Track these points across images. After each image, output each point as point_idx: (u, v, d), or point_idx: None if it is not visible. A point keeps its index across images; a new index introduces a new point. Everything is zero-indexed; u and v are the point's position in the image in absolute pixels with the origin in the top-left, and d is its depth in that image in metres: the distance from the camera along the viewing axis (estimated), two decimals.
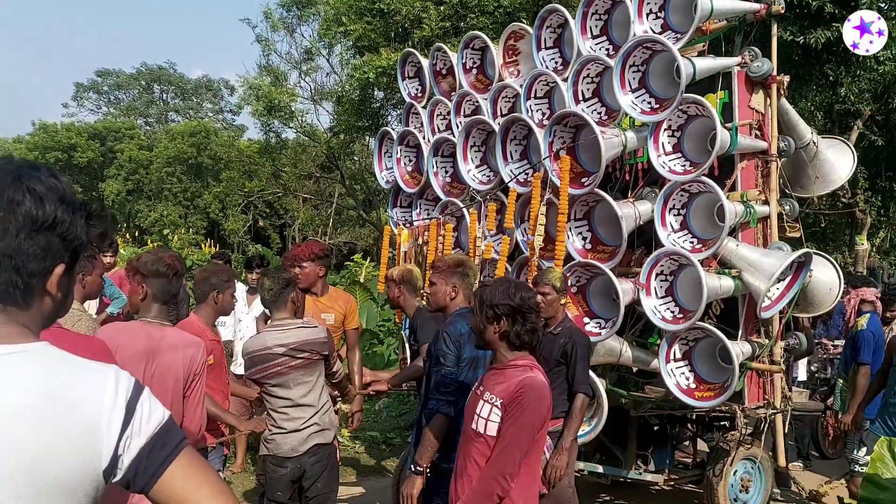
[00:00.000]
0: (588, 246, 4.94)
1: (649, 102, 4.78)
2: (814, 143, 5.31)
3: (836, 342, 7.59)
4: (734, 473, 5.69)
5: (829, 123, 14.36)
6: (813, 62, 11.54)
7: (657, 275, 4.79)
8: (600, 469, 5.73)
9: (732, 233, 5.02)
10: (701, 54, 5.10)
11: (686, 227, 4.85)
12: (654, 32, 4.82)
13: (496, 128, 5.20)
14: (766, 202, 5.03)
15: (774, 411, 5.09)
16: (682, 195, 4.79)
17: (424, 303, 4.65)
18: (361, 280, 12.30)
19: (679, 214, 4.85)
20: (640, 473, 5.76)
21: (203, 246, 26.76)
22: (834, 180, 5.48)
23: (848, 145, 5.66)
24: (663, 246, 4.73)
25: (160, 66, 40.50)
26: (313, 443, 3.88)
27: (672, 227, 4.82)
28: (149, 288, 3.10)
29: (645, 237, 5.09)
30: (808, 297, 5.35)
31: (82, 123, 35.51)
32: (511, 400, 2.75)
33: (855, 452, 5.41)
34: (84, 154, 32.47)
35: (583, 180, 4.79)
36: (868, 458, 4.26)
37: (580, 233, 4.95)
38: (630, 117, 5.05)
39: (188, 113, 40.24)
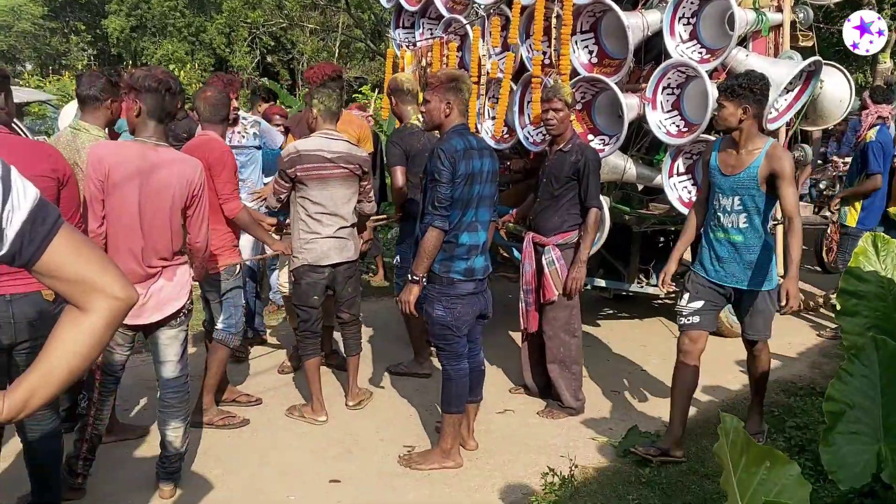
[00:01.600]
0: (594, 60, 4.82)
1: None
2: None
3: (847, 159, 7.54)
4: None
5: None
6: None
7: (664, 88, 4.72)
8: (603, 283, 5.95)
9: (743, 42, 4.87)
10: None
11: (695, 36, 4.70)
12: None
13: None
14: (780, 9, 4.84)
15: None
16: (692, 2, 4.60)
17: (418, 119, 4.64)
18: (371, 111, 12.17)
19: (689, 23, 4.68)
20: (642, 287, 5.99)
21: None
22: None
23: None
24: (671, 57, 4.62)
25: None
26: (346, 254, 4.19)
27: (681, 36, 4.67)
28: (142, 103, 3.10)
29: (654, 50, 4.95)
30: (818, 108, 5.25)
31: None
32: None
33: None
34: None
35: None
36: None
37: (586, 46, 4.82)
38: None
39: None
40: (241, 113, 5.24)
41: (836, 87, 5.25)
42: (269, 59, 30.14)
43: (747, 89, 3.49)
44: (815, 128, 5.51)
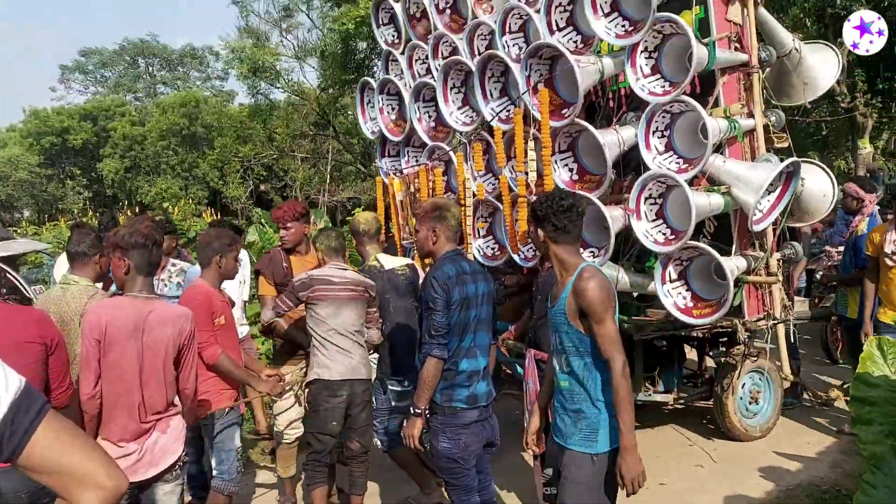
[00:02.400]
0: (575, 177, 4.94)
1: (623, 25, 4.71)
2: (796, 49, 5.23)
3: (840, 248, 7.59)
4: (742, 387, 5.80)
5: (823, 28, 14.07)
6: None
7: (646, 198, 4.80)
8: None
9: (719, 149, 5.00)
10: None
11: (671, 148, 4.83)
12: None
13: (473, 67, 5.15)
14: (751, 115, 5.00)
15: (775, 322, 5.16)
16: (664, 116, 4.76)
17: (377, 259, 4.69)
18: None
19: (663, 136, 4.82)
20: (650, 395, 5.88)
21: (205, 215, 26.85)
22: (820, 85, 5.42)
23: (831, 48, 5.56)
24: (650, 169, 4.72)
25: (143, 40, 40.04)
26: (359, 373, 4.22)
27: (657, 149, 4.80)
28: (130, 261, 3.13)
29: (633, 162, 5.08)
30: (803, 205, 5.34)
31: (72, 105, 35.35)
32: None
33: None
34: (77, 136, 32.38)
35: (563, 112, 4.76)
36: None
37: (566, 164, 4.94)
38: (607, 43, 4.98)
39: (176, 84, 39.90)
40: (172, 260, 5.20)
41: (818, 184, 5.35)
42: (262, 187, 30.89)
43: (545, 212, 3.02)
44: (803, 224, 5.57)
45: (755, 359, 5.71)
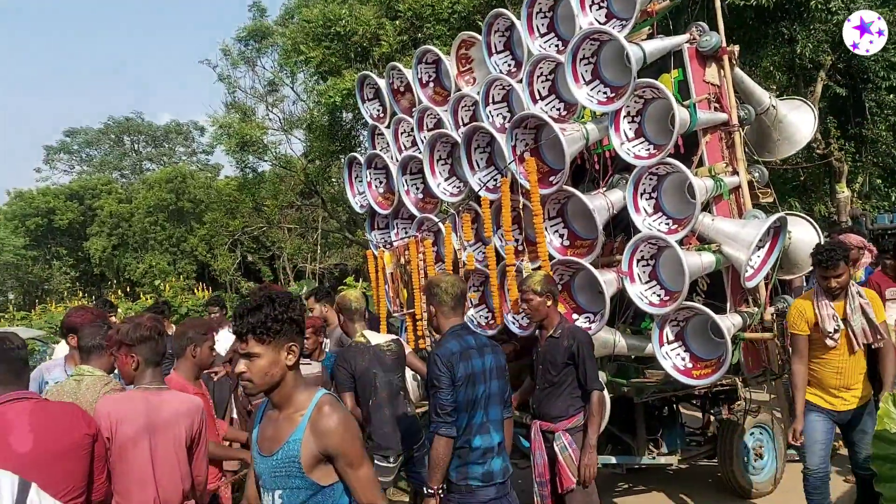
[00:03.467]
0: (566, 243, 4.95)
1: (605, 92, 4.80)
2: (773, 106, 5.35)
3: None
4: (746, 445, 5.72)
5: (794, 79, 14.46)
6: (767, 22, 11.62)
7: (638, 261, 4.81)
8: (613, 460, 5.74)
9: (707, 207, 5.04)
10: (650, 37, 5.14)
11: (660, 209, 4.87)
12: (598, 23, 4.85)
13: (459, 139, 5.21)
14: (735, 172, 5.07)
15: (774, 377, 5.12)
16: (651, 179, 4.81)
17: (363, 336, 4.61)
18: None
19: (651, 198, 4.86)
20: (654, 458, 5.78)
21: (196, 290, 26.70)
22: (798, 140, 5.53)
23: (807, 104, 5.70)
24: (640, 231, 4.75)
25: (127, 118, 40.48)
26: None
27: (646, 211, 4.84)
28: (138, 356, 3.12)
29: (623, 224, 5.11)
30: (791, 258, 5.37)
31: (58, 186, 35.44)
32: None
33: None
34: (64, 216, 32.37)
35: (551, 179, 4.80)
36: None
37: (556, 231, 4.96)
38: (590, 109, 5.07)
39: (162, 160, 40.21)
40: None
41: (804, 235, 5.39)
42: (250, 258, 30.85)
43: (275, 325, 2.27)
44: (792, 276, 5.59)
45: (756, 413, 5.65)
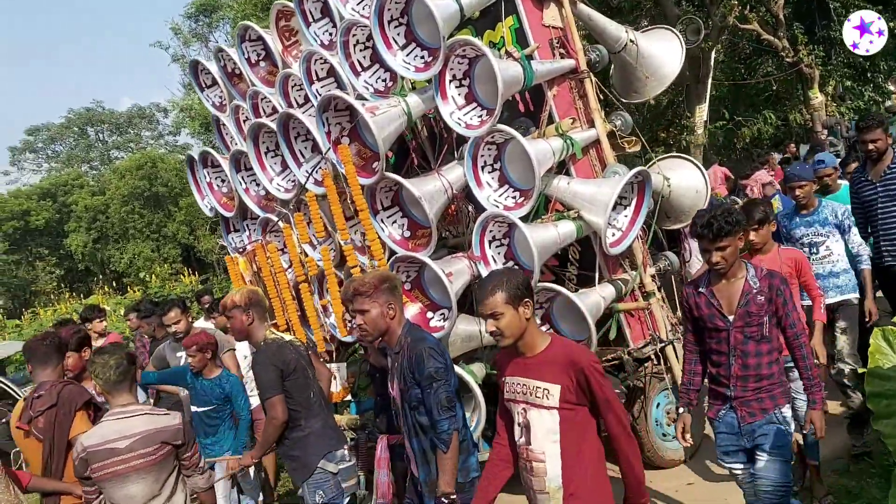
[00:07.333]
0: (407, 233, 4.39)
1: (422, 57, 4.18)
2: (632, 41, 4.67)
3: None
4: (657, 407, 5.25)
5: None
6: None
7: (490, 242, 4.26)
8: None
9: (564, 169, 4.46)
10: None
11: (506, 181, 4.30)
12: None
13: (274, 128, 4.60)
14: (592, 124, 4.45)
15: (664, 343, 4.60)
16: (490, 149, 4.22)
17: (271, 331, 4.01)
18: None
19: (494, 170, 4.28)
20: None
21: (184, 275, 26.31)
22: (666, 74, 4.85)
23: (672, 31, 4.99)
24: (486, 210, 4.19)
25: (88, 109, 39.40)
26: None
27: (489, 185, 4.26)
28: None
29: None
30: (676, 206, 4.81)
31: (28, 186, 34.86)
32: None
33: None
34: (39, 216, 31.90)
35: (374, 166, 4.22)
36: None
37: (394, 221, 4.40)
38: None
39: (129, 147, 39.28)
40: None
41: (686, 179, 4.81)
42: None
43: None
44: (682, 224, 5.01)
45: (662, 378, 5.16)
